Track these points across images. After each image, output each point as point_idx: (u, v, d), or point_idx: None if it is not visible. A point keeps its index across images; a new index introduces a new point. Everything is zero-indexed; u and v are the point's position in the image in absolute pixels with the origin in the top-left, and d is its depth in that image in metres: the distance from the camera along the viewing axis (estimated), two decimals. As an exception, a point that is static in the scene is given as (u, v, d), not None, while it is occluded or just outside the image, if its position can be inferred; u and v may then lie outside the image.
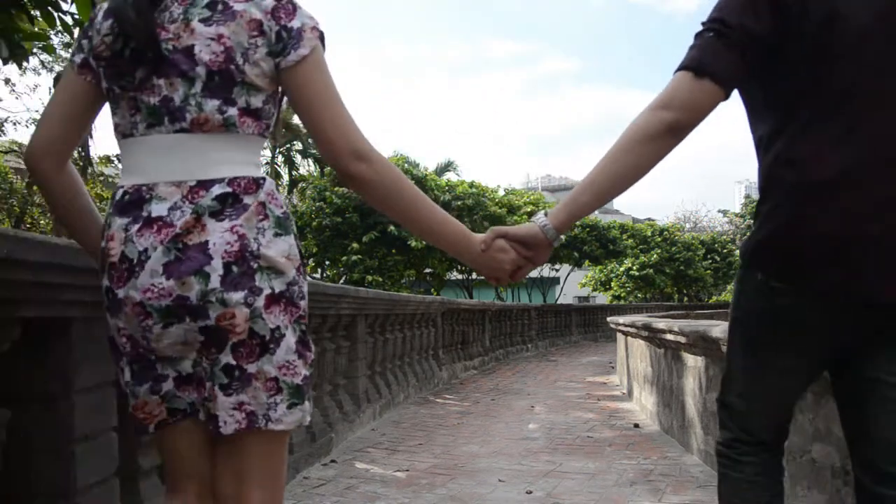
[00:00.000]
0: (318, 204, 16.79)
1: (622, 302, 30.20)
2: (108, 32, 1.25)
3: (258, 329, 1.20)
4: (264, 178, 1.26)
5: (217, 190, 1.20)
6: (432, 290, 20.25)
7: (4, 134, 14.82)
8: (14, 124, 14.48)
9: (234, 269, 1.18)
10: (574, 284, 30.31)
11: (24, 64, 3.52)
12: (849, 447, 1.42)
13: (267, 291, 1.21)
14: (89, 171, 15.06)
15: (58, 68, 13.67)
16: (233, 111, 1.23)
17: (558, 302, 25.22)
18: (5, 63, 3.30)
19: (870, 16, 1.24)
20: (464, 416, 6.04)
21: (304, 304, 1.29)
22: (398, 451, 4.59)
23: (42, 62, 13.73)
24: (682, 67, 1.34)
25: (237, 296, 1.18)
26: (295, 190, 22.15)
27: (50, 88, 13.85)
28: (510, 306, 13.53)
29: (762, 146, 1.39)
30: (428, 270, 18.69)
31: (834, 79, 1.27)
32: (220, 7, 1.22)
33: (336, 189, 16.48)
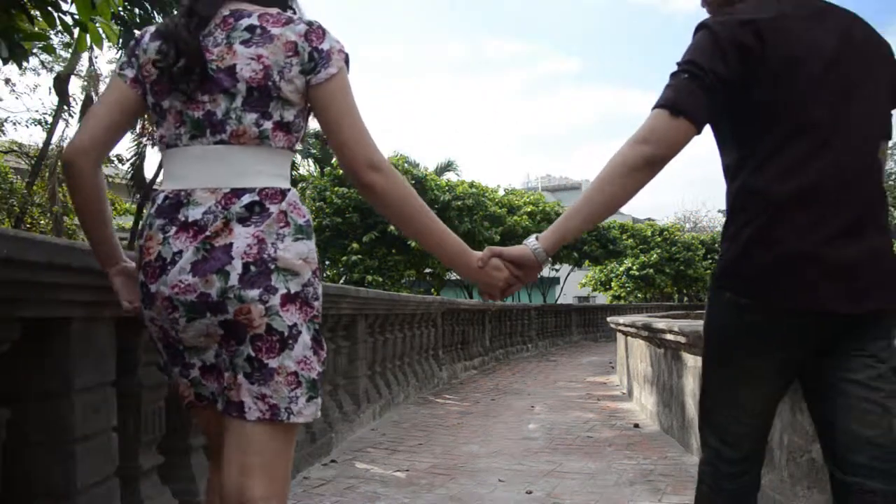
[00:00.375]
0: (318, 204, 16.77)
1: (622, 302, 30.20)
2: (157, 52, 1.39)
3: (276, 326, 1.31)
4: (289, 189, 1.40)
5: (247, 199, 1.33)
6: (432, 290, 20.25)
7: (4, 134, 14.81)
8: (14, 124, 14.48)
9: (252, 268, 1.30)
10: (574, 284, 30.31)
11: (24, 64, 3.52)
12: (819, 441, 1.55)
13: (283, 291, 1.32)
14: (89, 171, 15.02)
15: (58, 68, 13.67)
16: (268, 124, 1.37)
17: (558, 302, 25.23)
18: (5, 63, 3.30)
19: (821, 61, 1.43)
20: (464, 416, 6.04)
21: (317, 304, 1.40)
22: (398, 451, 4.59)
23: (42, 62, 13.71)
24: (658, 105, 1.47)
25: (253, 293, 1.29)
26: (295, 190, 22.16)
27: (50, 89, 13.89)
28: (510, 306, 13.53)
29: (729, 174, 1.55)
30: (428, 270, 18.70)
31: (791, 116, 1.43)
32: (258, 31, 1.37)
33: (336, 189, 16.47)
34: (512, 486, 3.65)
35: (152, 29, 1.46)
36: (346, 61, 1.42)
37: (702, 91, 1.44)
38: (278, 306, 1.31)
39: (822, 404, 1.52)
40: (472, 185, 19.24)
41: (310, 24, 1.40)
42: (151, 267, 1.35)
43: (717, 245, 34.67)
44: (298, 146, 1.51)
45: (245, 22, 1.38)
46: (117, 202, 17.74)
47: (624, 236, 27.47)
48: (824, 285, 1.41)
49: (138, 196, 16.68)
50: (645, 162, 1.47)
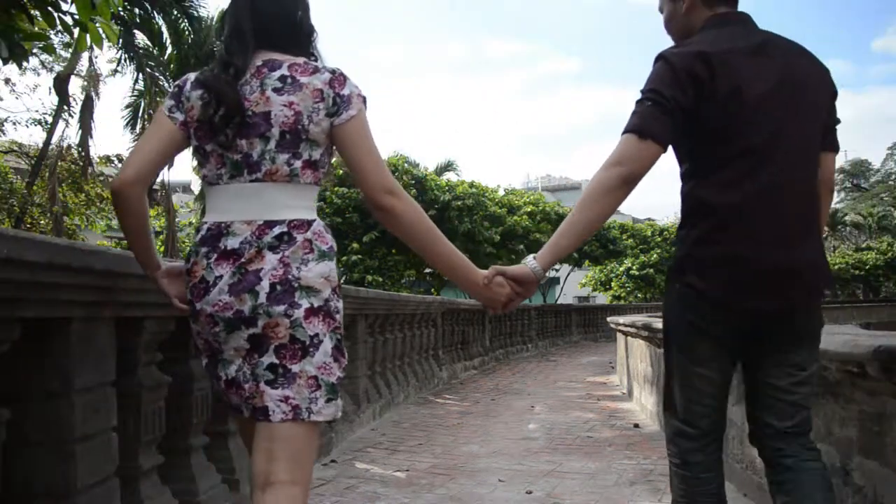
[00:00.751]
0: (318, 204, 16.76)
1: (622, 302, 30.18)
2: (199, 100, 1.57)
3: (299, 336, 1.50)
4: (315, 220, 1.59)
5: (277, 230, 1.53)
6: (432, 290, 20.25)
7: (4, 134, 14.82)
8: (14, 124, 14.48)
9: (278, 287, 1.50)
10: (574, 284, 30.29)
11: (24, 64, 3.52)
12: (748, 418, 1.83)
13: (306, 306, 1.51)
14: (90, 171, 15.05)
15: (58, 68, 13.67)
16: (298, 163, 1.56)
17: (558, 302, 25.22)
18: (5, 63, 3.30)
19: (762, 93, 1.66)
20: (464, 416, 6.04)
21: (339, 317, 1.58)
22: (398, 451, 4.59)
23: (42, 62, 13.71)
24: (627, 130, 1.68)
25: (279, 308, 1.49)
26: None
27: (50, 89, 13.87)
28: (510, 306, 13.49)
29: (683, 183, 1.79)
30: (428, 270, 18.67)
31: (734, 139, 1.67)
32: (289, 80, 1.55)
33: (336, 189, 16.46)
34: (512, 486, 3.65)
35: (192, 77, 1.64)
36: (365, 102, 1.62)
37: (664, 116, 1.66)
38: (302, 319, 1.50)
39: (752, 402, 1.81)
40: (472, 185, 19.23)
41: (333, 72, 1.60)
42: (197, 288, 1.55)
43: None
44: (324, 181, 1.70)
45: (277, 73, 1.56)
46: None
47: (624, 236, 27.46)
48: (754, 285, 1.65)
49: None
50: (621, 181, 1.68)
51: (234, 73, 1.56)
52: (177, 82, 1.65)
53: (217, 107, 1.54)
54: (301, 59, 1.61)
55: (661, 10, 1.94)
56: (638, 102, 1.71)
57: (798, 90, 1.71)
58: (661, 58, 1.72)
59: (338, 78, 1.59)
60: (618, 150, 1.70)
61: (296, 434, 1.51)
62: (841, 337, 2.21)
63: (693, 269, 1.70)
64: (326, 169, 1.64)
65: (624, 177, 1.68)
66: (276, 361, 1.50)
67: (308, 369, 1.50)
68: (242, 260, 1.51)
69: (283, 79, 1.55)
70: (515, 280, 1.78)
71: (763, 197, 1.65)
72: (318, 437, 1.61)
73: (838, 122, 1.83)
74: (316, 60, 1.67)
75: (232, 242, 1.53)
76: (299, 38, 1.68)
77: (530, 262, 1.79)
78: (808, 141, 1.73)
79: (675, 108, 1.65)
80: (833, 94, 1.80)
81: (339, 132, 1.58)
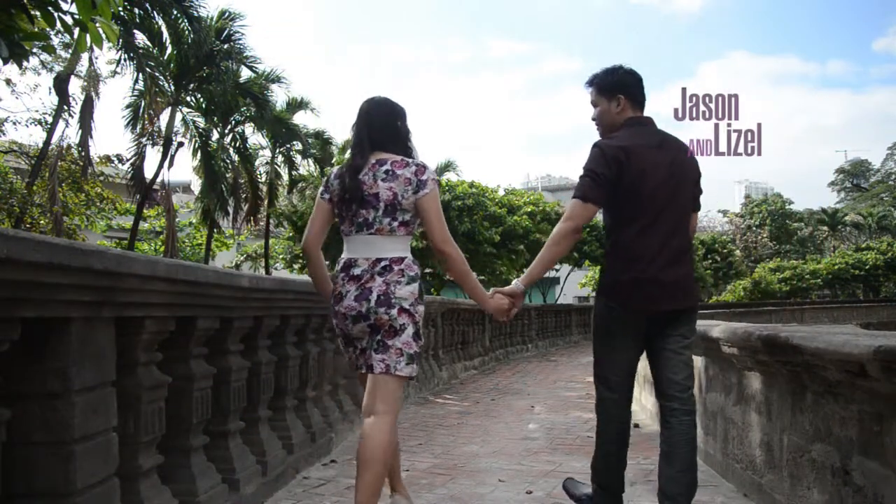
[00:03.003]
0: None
1: (622, 302, 30.08)
2: (337, 187, 2.61)
3: (395, 325, 2.49)
4: (406, 257, 2.56)
5: (383, 263, 2.52)
6: (432, 290, 20.25)
7: (4, 134, 14.80)
8: (14, 124, 14.45)
9: (381, 298, 2.49)
10: (574, 284, 30.28)
11: (25, 64, 3.52)
12: (654, 386, 2.80)
13: (398, 308, 2.49)
14: (89, 171, 15.04)
15: (58, 68, 13.66)
16: (395, 224, 2.54)
17: (558, 302, 25.20)
18: (5, 63, 3.30)
19: (660, 175, 2.61)
20: (464, 416, 6.04)
21: (418, 315, 2.56)
22: (398, 451, 4.59)
23: (42, 62, 13.70)
24: (575, 196, 2.64)
25: (382, 310, 2.48)
26: (295, 190, 22.12)
27: (50, 89, 13.84)
28: (510, 306, 13.48)
29: (606, 230, 2.79)
30: (428, 270, 18.68)
31: (638, 204, 2.61)
32: (390, 173, 2.53)
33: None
34: (512, 486, 3.65)
35: (334, 171, 2.70)
36: (437, 183, 2.60)
37: (599, 188, 2.60)
38: (396, 315, 2.49)
39: (655, 364, 2.77)
40: (472, 185, 19.23)
41: (418, 165, 2.57)
42: (336, 298, 2.58)
43: (716, 245, 34.72)
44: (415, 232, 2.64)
45: (383, 168, 2.54)
46: (118, 202, 17.72)
47: (624, 236, 27.38)
48: (656, 295, 2.63)
49: (138, 196, 16.69)
50: (572, 231, 2.66)
51: (356, 169, 2.56)
52: (326, 175, 2.85)
53: (343, 192, 2.57)
54: (399, 157, 2.58)
55: (594, 105, 2.83)
56: (581, 177, 2.65)
57: (680, 174, 2.69)
58: (597, 146, 2.67)
59: (420, 168, 2.56)
60: (569, 210, 2.67)
61: (387, 382, 2.49)
62: (841, 337, 2.21)
63: (618, 289, 2.68)
64: (414, 226, 2.60)
65: (574, 228, 2.65)
66: (381, 339, 2.50)
67: (397, 344, 2.49)
68: (362, 281, 2.52)
69: (386, 172, 2.54)
70: (509, 295, 2.84)
71: (657, 241, 2.62)
72: (401, 388, 2.59)
73: (701, 192, 2.84)
74: (411, 154, 2.64)
75: (356, 271, 2.54)
76: (398, 141, 2.65)
77: (515, 282, 2.85)
78: (685, 206, 2.73)
79: (605, 182, 2.59)
80: (699, 175, 2.80)
81: (419, 203, 2.54)
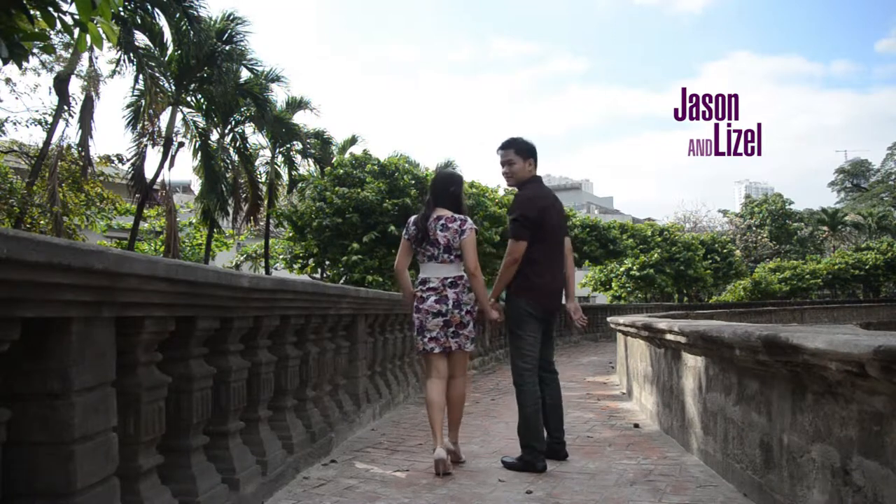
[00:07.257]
0: (318, 204, 16.69)
1: (622, 302, 30.18)
2: (414, 230, 4.16)
3: (463, 321, 4.12)
4: (463, 276, 4.15)
5: (449, 280, 4.11)
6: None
7: (4, 134, 14.78)
8: (14, 124, 14.44)
9: (455, 303, 4.09)
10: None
11: (25, 64, 3.52)
12: (539, 357, 4.26)
13: (466, 309, 4.12)
14: (89, 171, 15.03)
15: (58, 68, 13.65)
16: (452, 256, 4.11)
17: (558, 302, 25.06)
18: (5, 63, 3.30)
19: (553, 219, 4.26)
20: (464, 416, 6.03)
21: (475, 313, 4.17)
22: (398, 451, 4.59)
23: (42, 62, 13.70)
24: (511, 237, 4.15)
25: (456, 311, 4.09)
26: (295, 190, 22.11)
27: (50, 89, 13.85)
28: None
29: (525, 256, 4.13)
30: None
31: (542, 241, 4.17)
32: (447, 226, 4.10)
33: (336, 189, 16.40)
34: (512, 486, 3.65)
35: (413, 219, 4.23)
36: (475, 230, 4.12)
37: (526, 229, 4.10)
38: (464, 314, 4.11)
39: (542, 347, 4.28)
40: (472, 185, 19.20)
41: (463, 220, 4.12)
42: (419, 300, 4.13)
43: (716, 245, 34.71)
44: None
45: (441, 221, 4.09)
46: (118, 202, 17.72)
47: (624, 236, 27.44)
48: (549, 298, 4.25)
49: (138, 196, 16.68)
50: (513, 262, 4.13)
51: (426, 218, 4.12)
52: (408, 221, 4.23)
53: (417, 234, 4.12)
54: (450, 214, 4.12)
55: (510, 163, 4.27)
56: (513, 221, 4.15)
57: (561, 218, 4.37)
58: (523, 195, 4.22)
59: (462, 222, 4.10)
60: (509, 248, 4.14)
61: (461, 357, 4.21)
62: (841, 337, 2.21)
63: (530, 292, 4.14)
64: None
65: (514, 259, 4.12)
66: (455, 329, 4.08)
67: (464, 332, 4.12)
68: (438, 291, 4.08)
69: (443, 225, 4.08)
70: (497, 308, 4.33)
71: (550, 263, 4.21)
72: (467, 360, 4.34)
73: (568, 226, 5.15)
74: (460, 210, 4.18)
75: (432, 284, 4.11)
76: (453, 201, 4.20)
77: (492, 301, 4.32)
78: (562, 241, 4.35)
79: (532, 224, 4.09)
80: (566, 215, 4.53)
81: (462, 243, 4.06)
